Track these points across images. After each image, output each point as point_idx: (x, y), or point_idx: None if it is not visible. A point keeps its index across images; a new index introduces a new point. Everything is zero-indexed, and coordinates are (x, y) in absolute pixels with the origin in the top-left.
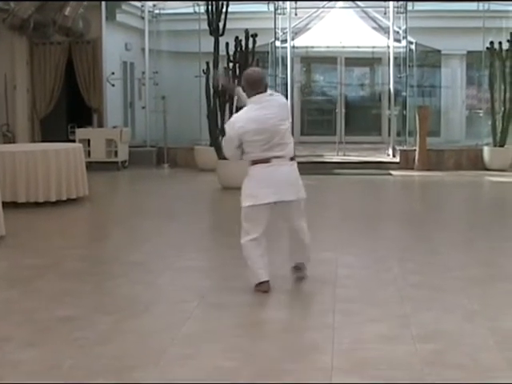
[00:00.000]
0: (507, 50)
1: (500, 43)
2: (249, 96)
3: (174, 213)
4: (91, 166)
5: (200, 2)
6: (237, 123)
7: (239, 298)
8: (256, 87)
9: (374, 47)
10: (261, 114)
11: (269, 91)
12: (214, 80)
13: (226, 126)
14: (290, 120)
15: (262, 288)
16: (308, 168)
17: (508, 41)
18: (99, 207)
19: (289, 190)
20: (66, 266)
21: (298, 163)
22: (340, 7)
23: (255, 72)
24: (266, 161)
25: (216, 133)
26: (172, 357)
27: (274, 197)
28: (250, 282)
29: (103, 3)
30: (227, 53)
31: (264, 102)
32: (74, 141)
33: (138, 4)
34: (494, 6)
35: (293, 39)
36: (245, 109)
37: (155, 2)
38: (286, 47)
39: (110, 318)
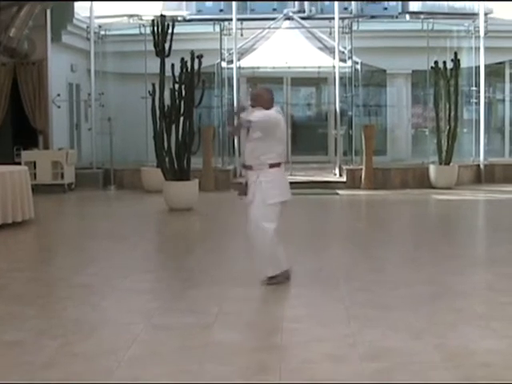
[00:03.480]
0: (451, 69)
1: (444, 62)
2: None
3: (121, 235)
4: (37, 189)
5: (146, 23)
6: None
7: (185, 320)
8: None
9: (319, 67)
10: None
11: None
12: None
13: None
14: None
15: (284, 275)
16: None
17: (452, 60)
18: (45, 230)
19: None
20: (12, 289)
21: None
22: (286, 27)
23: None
24: (279, 165)
25: (162, 154)
26: (119, 379)
27: (287, 196)
28: (261, 275)
29: (48, 24)
30: (173, 74)
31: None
32: (19, 163)
33: (84, 25)
34: (438, 26)
35: (239, 60)
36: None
37: (101, 23)
38: (232, 68)
39: (57, 342)
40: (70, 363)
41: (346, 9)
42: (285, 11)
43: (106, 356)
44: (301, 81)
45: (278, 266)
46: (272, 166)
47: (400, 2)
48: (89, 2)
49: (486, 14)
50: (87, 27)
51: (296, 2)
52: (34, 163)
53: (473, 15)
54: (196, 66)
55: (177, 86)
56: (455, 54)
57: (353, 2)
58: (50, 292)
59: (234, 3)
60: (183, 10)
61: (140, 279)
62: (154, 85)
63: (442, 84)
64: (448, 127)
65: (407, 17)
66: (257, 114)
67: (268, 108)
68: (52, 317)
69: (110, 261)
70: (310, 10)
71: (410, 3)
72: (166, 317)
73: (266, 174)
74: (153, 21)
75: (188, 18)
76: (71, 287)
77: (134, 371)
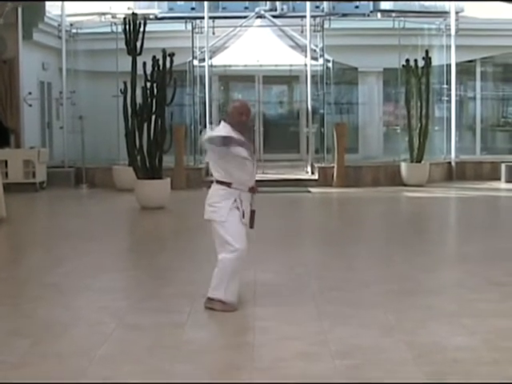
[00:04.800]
0: (423, 67)
1: (415, 60)
2: None
3: (92, 234)
4: (8, 188)
5: (117, 22)
6: None
7: (157, 319)
8: None
9: (291, 65)
10: None
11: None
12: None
13: None
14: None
15: None
16: None
17: (423, 58)
18: (17, 229)
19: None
20: None
21: (216, 181)
22: (257, 26)
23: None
24: None
25: (134, 152)
26: (90, 379)
27: None
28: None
29: (19, 22)
30: (144, 72)
31: None
32: None
33: (55, 23)
34: (409, 24)
35: (211, 58)
36: None
37: (72, 21)
38: (203, 66)
39: (27, 341)
40: (41, 363)
41: (317, 7)
42: (256, 9)
43: (77, 355)
44: (273, 79)
45: None
46: None
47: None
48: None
49: (456, 13)
50: (59, 25)
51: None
52: (6, 162)
53: (444, 13)
54: (168, 65)
55: (148, 84)
56: (426, 52)
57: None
58: (20, 292)
59: (205, 2)
60: (155, 9)
61: (112, 278)
62: (125, 83)
63: (414, 82)
64: (419, 125)
65: (379, 15)
66: None
67: None
68: (23, 316)
69: (82, 260)
70: (282, 9)
71: (382, 2)
72: (138, 316)
73: None
74: (124, 19)
75: (160, 16)
76: (42, 287)
77: (105, 370)
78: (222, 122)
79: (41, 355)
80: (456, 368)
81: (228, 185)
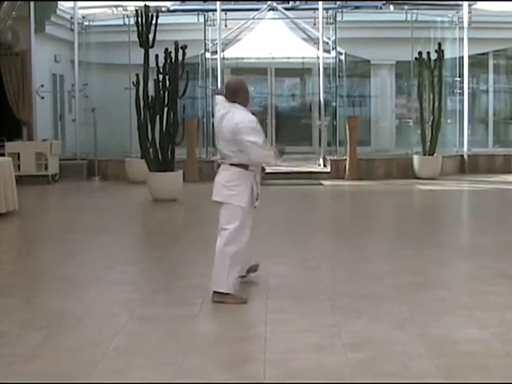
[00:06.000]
0: (435, 60)
1: (428, 53)
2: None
3: (105, 226)
4: (21, 180)
5: (129, 14)
6: None
7: (170, 311)
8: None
9: (303, 58)
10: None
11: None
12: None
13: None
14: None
15: None
16: None
17: (436, 51)
18: (29, 221)
19: (214, 191)
20: None
21: (230, 164)
22: (270, 18)
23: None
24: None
25: (146, 145)
26: (103, 371)
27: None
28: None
29: (32, 15)
30: (157, 65)
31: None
32: (3, 154)
33: (67, 16)
34: (422, 17)
35: (223, 50)
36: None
37: (85, 13)
38: (216, 59)
39: (40, 334)
40: (53, 355)
41: None
42: (269, 2)
43: (90, 348)
44: (285, 71)
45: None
46: None
47: None
48: None
49: (469, 5)
50: (71, 18)
51: None
52: (18, 154)
53: (457, 6)
54: (180, 57)
55: (161, 76)
56: (439, 44)
57: None
58: (33, 284)
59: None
60: (167, 1)
61: (124, 271)
62: (137, 75)
63: (426, 75)
64: (432, 118)
65: (391, 7)
66: None
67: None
68: (35, 309)
69: (94, 252)
70: (294, 1)
71: None
72: (151, 308)
73: None
74: (137, 11)
75: (172, 8)
76: (55, 279)
77: (117, 363)
78: (242, 109)
79: (53, 347)
80: (468, 361)
81: (245, 167)
